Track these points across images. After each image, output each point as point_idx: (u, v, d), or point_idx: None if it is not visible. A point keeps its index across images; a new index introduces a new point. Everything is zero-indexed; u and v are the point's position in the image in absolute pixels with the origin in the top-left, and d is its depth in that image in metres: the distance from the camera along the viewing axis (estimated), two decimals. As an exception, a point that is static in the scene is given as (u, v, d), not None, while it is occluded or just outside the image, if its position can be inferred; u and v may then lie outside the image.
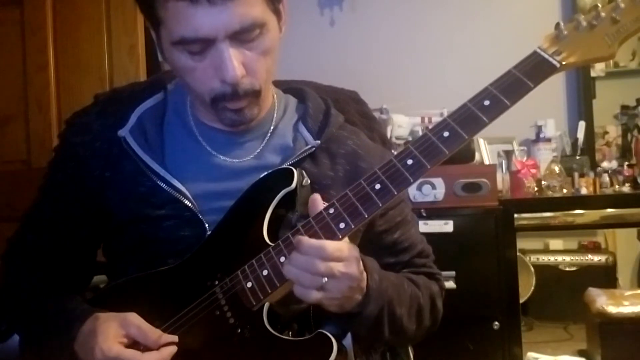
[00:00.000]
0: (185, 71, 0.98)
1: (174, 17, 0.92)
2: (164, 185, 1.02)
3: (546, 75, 0.91)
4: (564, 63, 0.92)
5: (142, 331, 0.91)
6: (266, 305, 0.91)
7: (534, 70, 0.91)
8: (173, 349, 0.91)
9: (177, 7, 0.91)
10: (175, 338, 0.92)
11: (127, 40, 2.32)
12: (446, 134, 0.90)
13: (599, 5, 0.93)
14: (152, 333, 0.91)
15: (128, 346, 0.90)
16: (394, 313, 0.99)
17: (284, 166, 1.00)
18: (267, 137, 1.09)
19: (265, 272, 0.91)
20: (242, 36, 0.94)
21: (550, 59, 0.92)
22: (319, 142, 1.07)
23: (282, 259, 0.90)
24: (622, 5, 0.91)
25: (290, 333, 0.95)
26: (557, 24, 0.94)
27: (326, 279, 0.86)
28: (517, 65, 0.92)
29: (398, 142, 2.45)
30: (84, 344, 0.92)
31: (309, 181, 0.98)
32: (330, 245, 0.86)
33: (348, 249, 0.89)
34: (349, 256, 0.88)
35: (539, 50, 0.93)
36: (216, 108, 1.00)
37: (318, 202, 0.92)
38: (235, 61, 0.93)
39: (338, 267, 0.86)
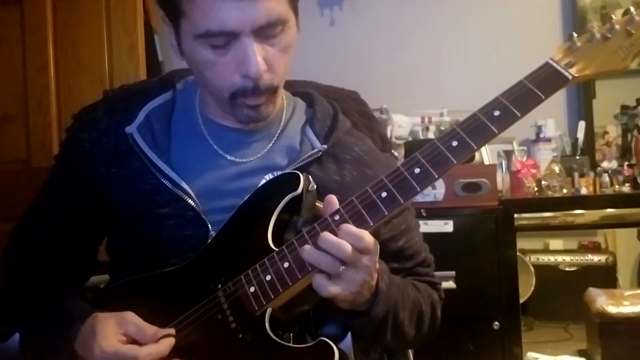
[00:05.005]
0: (205, 65, 0.97)
1: (201, 9, 0.92)
2: (167, 184, 1.02)
3: (558, 87, 0.89)
4: (576, 75, 0.89)
5: (139, 328, 0.91)
6: (268, 310, 0.91)
7: (545, 81, 0.89)
8: (171, 340, 0.91)
9: (204, 0, 0.91)
10: (172, 331, 0.92)
11: (127, 40, 2.32)
12: (455, 143, 0.88)
13: (614, 17, 0.91)
14: (149, 329, 0.91)
15: (127, 344, 0.90)
16: (398, 316, 0.99)
17: (291, 171, 0.99)
18: (275, 138, 1.09)
19: (268, 278, 0.90)
20: (266, 31, 0.94)
21: (563, 71, 0.90)
22: (325, 146, 1.06)
23: (286, 264, 0.89)
24: (637, 18, 0.90)
25: (291, 335, 0.94)
26: (571, 35, 0.92)
27: (343, 267, 0.85)
28: (528, 75, 0.90)
29: (398, 142, 2.45)
30: (84, 343, 0.92)
31: (315, 186, 0.97)
32: (368, 237, 0.86)
33: (377, 245, 0.89)
34: (377, 252, 0.89)
35: (551, 62, 0.91)
36: (234, 104, 1.00)
37: (334, 203, 0.90)
38: (259, 56, 0.94)
39: (364, 258, 0.86)
